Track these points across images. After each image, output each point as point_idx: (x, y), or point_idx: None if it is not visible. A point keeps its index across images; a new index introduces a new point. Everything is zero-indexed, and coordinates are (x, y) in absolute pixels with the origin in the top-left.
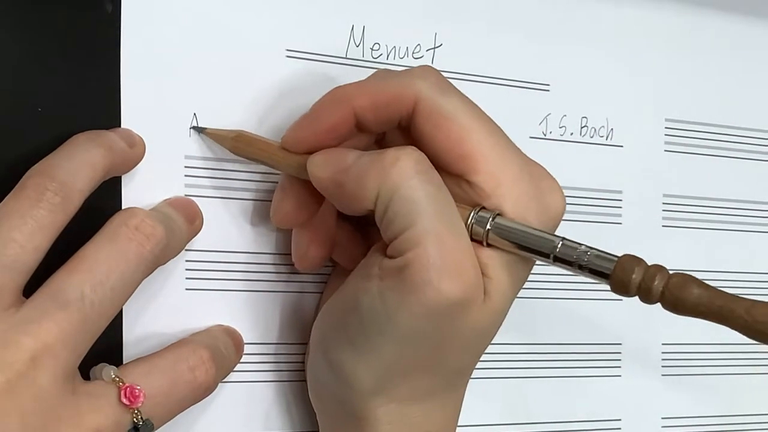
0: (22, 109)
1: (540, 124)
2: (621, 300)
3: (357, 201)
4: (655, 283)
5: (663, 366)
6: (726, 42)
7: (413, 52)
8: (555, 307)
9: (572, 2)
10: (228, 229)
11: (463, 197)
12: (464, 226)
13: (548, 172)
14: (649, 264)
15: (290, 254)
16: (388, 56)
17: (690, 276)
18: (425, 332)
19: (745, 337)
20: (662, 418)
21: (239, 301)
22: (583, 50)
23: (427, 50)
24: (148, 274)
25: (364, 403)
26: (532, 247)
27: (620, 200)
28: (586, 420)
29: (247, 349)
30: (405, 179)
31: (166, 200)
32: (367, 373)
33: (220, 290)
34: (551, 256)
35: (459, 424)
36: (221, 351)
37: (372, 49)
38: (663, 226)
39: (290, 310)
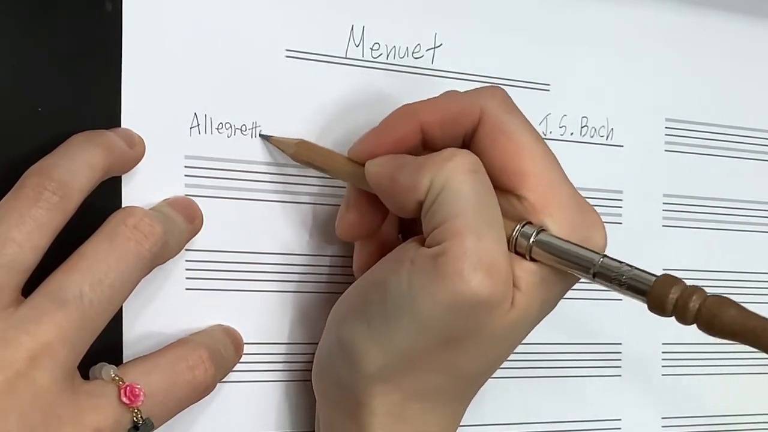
0: (22, 109)
1: (540, 124)
2: (621, 300)
3: (409, 192)
4: (692, 302)
5: (663, 366)
6: (726, 42)
7: (413, 52)
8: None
9: (572, 2)
10: (228, 229)
11: (510, 212)
12: (504, 234)
13: (593, 208)
14: (688, 285)
15: (290, 254)
16: (388, 56)
17: (726, 298)
18: (444, 324)
19: None
20: (662, 418)
21: (239, 301)
22: (583, 50)
23: (427, 50)
24: (147, 273)
25: (366, 388)
26: (574, 262)
27: (620, 200)
28: (586, 420)
29: (246, 348)
30: (458, 173)
31: (165, 200)
32: (377, 356)
33: (220, 290)
34: (591, 271)
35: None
36: (220, 351)
37: (372, 49)
38: (663, 226)
39: (290, 309)
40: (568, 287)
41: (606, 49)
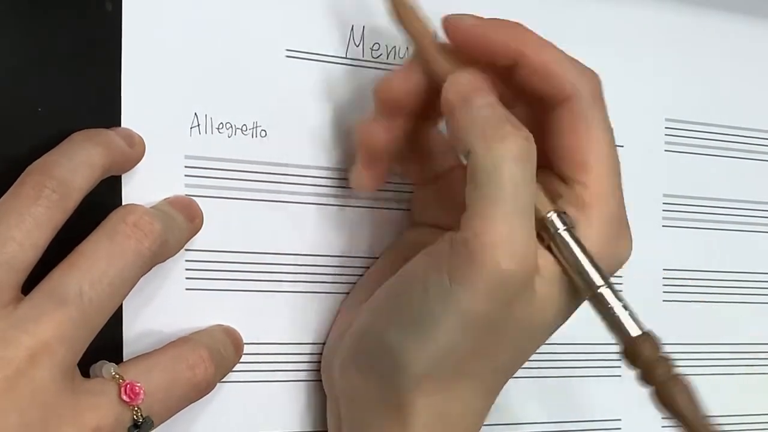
0: (22, 109)
1: None
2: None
3: (455, 139)
4: (658, 372)
5: None
6: (726, 42)
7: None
8: None
9: (572, 2)
10: (228, 229)
11: (556, 194)
12: (533, 223)
13: (629, 224)
14: (664, 355)
15: (290, 254)
16: (388, 56)
17: (691, 390)
18: (482, 311)
19: (745, 338)
20: (662, 418)
21: (239, 301)
22: (583, 50)
23: None
24: (147, 271)
25: (410, 388)
26: (581, 272)
27: None
28: (586, 420)
29: (247, 349)
30: (501, 156)
31: (165, 199)
32: (423, 355)
33: (220, 290)
34: (593, 290)
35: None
36: (220, 351)
37: (372, 49)
38: (663, 226)
39: (290, 309)
40: (579, 303)
41: (606, 49)
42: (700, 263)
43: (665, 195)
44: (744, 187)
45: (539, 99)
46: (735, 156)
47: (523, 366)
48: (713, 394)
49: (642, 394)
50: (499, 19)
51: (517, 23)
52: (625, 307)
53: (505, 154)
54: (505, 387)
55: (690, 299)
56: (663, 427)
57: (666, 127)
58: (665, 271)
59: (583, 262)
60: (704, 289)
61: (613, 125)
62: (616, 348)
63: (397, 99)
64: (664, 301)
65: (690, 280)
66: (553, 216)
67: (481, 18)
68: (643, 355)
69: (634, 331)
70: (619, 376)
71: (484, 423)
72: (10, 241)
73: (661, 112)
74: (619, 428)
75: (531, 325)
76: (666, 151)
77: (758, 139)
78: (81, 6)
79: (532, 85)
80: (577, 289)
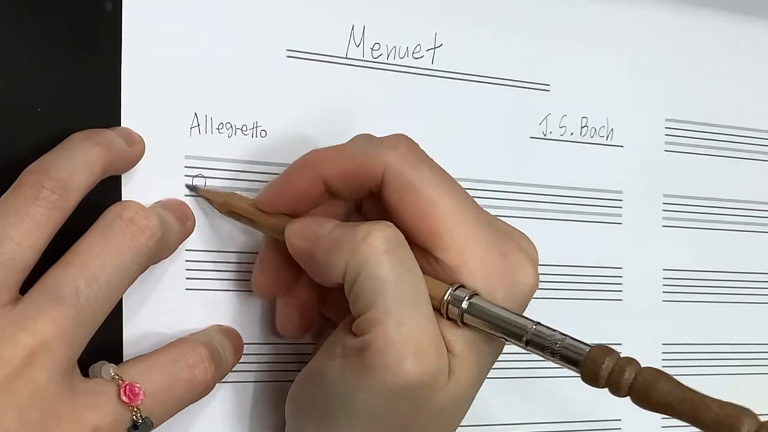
0: (22, 109)
1: (540, 124)
2: (621, 300)
3: (327, 273)
4: (625, 375)
5: (663, 366)
6: (726, 42)
7: (413, 52)
8: (555, 306)
9: (572, 2)
10: (228, 229)
11: (431, 272)
12: (430, 306)
13: (524, 245)
14: (622, 356)
15: None
16: (388, 56)
17: (661, 372)
18: (387, 413)
19: (745, 338)
20: (662, 418)
21: (239, 301)
22: (583, 50)
23: (427, 50)
24: (145, 269)
25: None
26: (506, 330)
27: (620, 200)
28: (586, 420)
29: (246, 348)
30: (373, 257)
31: (158, 202)
32: None
33: (220, 290)
34: (524, 339)
35: (459, 424)
36: (219, 351)
37: (372, 49)
38: (663, 226)
39: None
40: (503, 347)
41: (606, 49)
42: (700, 263)
43: (665, 195)
44: (744, 187)
45: (370, 196)
46: (735, 156)
47: (523, 366)
48: (713, 394)
49: None
50: (292, 165)
51: (304, 156)
52: (564, 335)
53: (374, 251)
54: (504, 387)
55: (690, 299)
56: (663, 427)
57: (666, 127)
58: (665, 271)
59: (504, 316)
60: (704, 289)
61: (613, 125)
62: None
63: (270, 290)
64: (664, 301)
65: (690, 280)
66: (452, 293)
67: (277, 177)
68: (602, 366)
69: (581, 352)
70: None
71: (484, 423)
72: (8, 241)
73: (661, 112)
74: (619, 428)
75: (449, 405)
76: (666, 151)
77: (758, 139)
78: (81, 6)
79: (353, 189)
80: (496, 343)
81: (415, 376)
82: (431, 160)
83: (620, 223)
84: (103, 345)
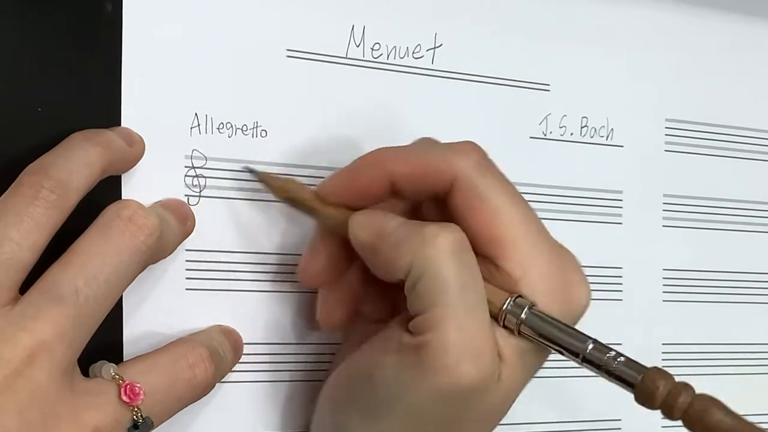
0: (22, 109)
1: (540, 124)
2: (621, 300)
3: (390, 269)
4: (680, 400)
5: (663, 366)
6: (726, 42)
7: (413, 52)
8: None
9: (572, 2)
10: (228, 229)
11: (489, 280)
12: (488, 313)
13: (576, 263)
14: (677, 381)
15: (290, 254)
16: (388, 56)
17: (714, 400)
18: (436, 414)
19: (745, 338)
20: (662, 418)
21: (239, 301)
22: (583, 50)
23: (427, 50)
24: (144, 267)
25: None
26: (563, 345)
27: (620, 200)
28: (586, 420)
29: (247, 349)
30: (439, 258)
31: (157, 202)
32: None
33: (220, 290)
34: (581, 356)
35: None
36: (219, 351)
37: (372, 49)
38: (663, 226)
39: (290, 310)
40: (549, 354)
41: (606, 49)
42: (700, 263)
43: (665, 195)
44: (744, 187)
45: (436, 199)
46: (735, 156)
47: None
48: (713, 394)
49: None
50: (360, 158)
51: (374, 152)
52: (618, 353)
53: (440, 254)
54: None
55: (690, 299)
56: (663, 427)
57: (666, 127)
58: (665, 271)
59: (562, 331)
60: (704, 289)
61: (613, 125)
62: (616, 348)
63: (320, 279)
64: (664, 301)
65: (690, 280)
66: (512, 302)
67: (344, 169)
68: (658, 390)
69: (638, 372)
70: None
71: None
72: (7, 241)
73: (661, 112)
74: (619, 428)
75: (495, 410)
76: (666, 151)
77: (758, 139)
78: (81, 6)
79: (419, 191)
80: (543, 354)
81: (470, 379)
82: (499, 170)
83: (620, 223)
84: (104, 345)
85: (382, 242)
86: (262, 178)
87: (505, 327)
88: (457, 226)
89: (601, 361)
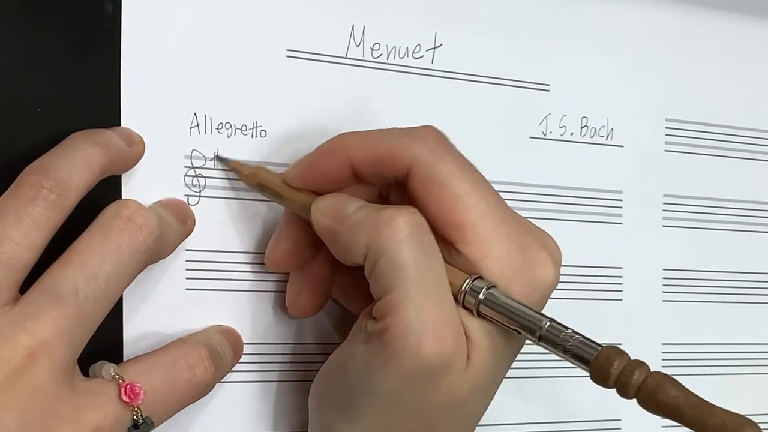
0: (22, 109)
1: (540, 124)
2: (621, 300)
3: (349, 252)
4: (634, 378)
5: (663, 366)
6: (726, 42)
7: (413, 52)
8: (554, 306)
9: (572, 2)
10: (228, 229)
11: (452, 264)
12: (450, 292)
13: (545, 242)
14: (632, 359)
15: None
16: (388, 56)
17: (668, 377)
18: (407, 397)
19: (745, 338)
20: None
21: (239, 301)
22: (583, 50)
23: (427, 50)
24: (144, 267)
25: None
26: (521, 324)
27: (620, 200)
28: (586, 420)
29: (246, 348)
30: (395, 241)
31: (157, 202)
32: None
33: (220, 290)
34: (537, 335)
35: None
36: (219, 351)
37: (372, 49)
38: (663, 226)
39: None
40: (522, 343)
41: (606, 49)
42: (700, 263)
43: (665, 195)
44: (744, 187)
45: (396, 184)
46: (735, 156)
47: (523, 366)
48: (713, 394)
49: None
50: (323, 144)
51: (336, 137)
52: (575, 333)
53: (396, 236)
54: (504, 387)
55: (690, 299)
56: (663, 427)
57: (666, 127)
58: (665, 271)
59: (519, 310)
60: (704, 289)
61: (613, 125)
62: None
63: (285, 264)
64: (664, 301)
65: (690, 280)
66: (470, 283)
67: (307, 155)
68: (612, 368)
69: (593, 350)
70: None
71: (484, 423)
72: (7, 240)
73: (661, 112)
74: (619, 428)
75: (466, 393)
76: (666, 151)
77: (758, 139)
78: (81, 6)
79: (379, 176)
80: (513, 339)
81: (434, 357)
82: (458, 153)
83: (620, 223)
84: (104, 345)
85: (340, 226)
86: (233, 167)
87: (465, 308)
88: (416, 209)
89: (558, 339)
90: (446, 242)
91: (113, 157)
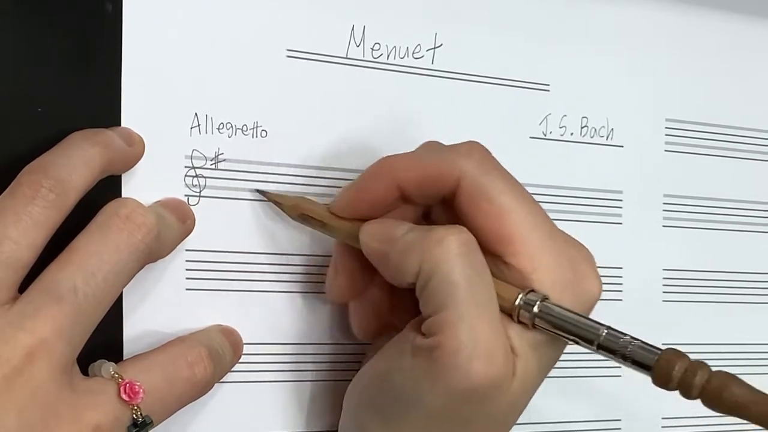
0: (22, 109)
1: (540, 124)
2: (621, 300)
3: (401, 274)
4: (696, 379)
5: None
6: (726, 42)
7: (413, 52)
8: None
9: (572, 2)
10: (228, 229)
11: (500, 278)
12: (498, 310)
13: (587, 255)
14: (692, 359)
15: (290, 254)
16: (388, 56)
17: (731, 375)
18: (453, 413)
19: (745, 338)
20: (662, 419)
21: (239, 301)
22: (583, 50)
23: (427, 50)
24: (143, 266)
25: None
26: (578, 334)
27: (620, 200)
28: (586, 420)
29: (246, 348)
30: (447, 260)
31: (157, 201)
32: None
33: (220, 290)
34: (595, 343)
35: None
36: (218, 350)
37: (372, 49)
38: (663, 226)
39: (290, 310)
40: (563, 350)
41: (606, 49)
42: (700, 263)
43: (665, 195)
44: (744, 187)
45: (445, 203)
46: (735, 156)
47: None
48: None
49: (642, 393)
50: (367, 169)
51: (380, 161)
52: (633, 338)
53: (447, 254)
54: None
55: (690, 299)
56: (663, 427)
57: (666, 127)
58: (665, 271)
59: (576, 321)
60: (704, 289)
61: (613, 125)
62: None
63: (346, 295)
64: (664, 301)
65: (690, 280)
66: (524, 297)
67: (353, 183)
68: (674, 370)
69: (653, 354)
70: (619, 376)
71: None
72: (6, 240)
73: (661, 112)
74: (619, 428)
75: (512, 406)
76: (666, 151)
77: (758, 139)
78: (81, 6)
79: (428, 195)
80: (559, 348)
81: (483, 378)
82: (502, 167)
83: (620, 223)
84: (103, 344)
85: (391, 248)
86: (273, 199)
87: (519, 322)
88: (464, 227)
89: (616, 346)
90: (495, 256)
91: (113, 156)
